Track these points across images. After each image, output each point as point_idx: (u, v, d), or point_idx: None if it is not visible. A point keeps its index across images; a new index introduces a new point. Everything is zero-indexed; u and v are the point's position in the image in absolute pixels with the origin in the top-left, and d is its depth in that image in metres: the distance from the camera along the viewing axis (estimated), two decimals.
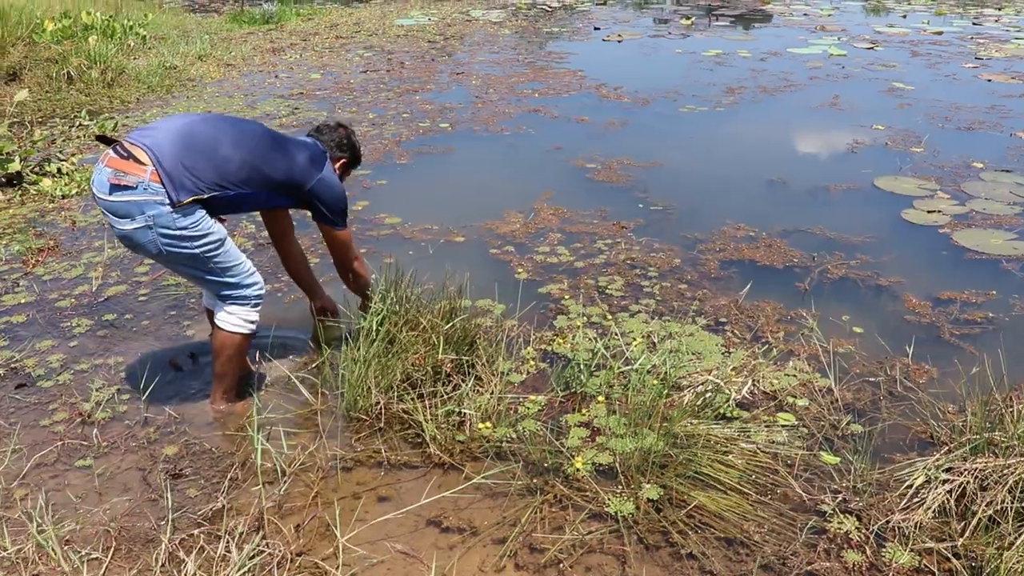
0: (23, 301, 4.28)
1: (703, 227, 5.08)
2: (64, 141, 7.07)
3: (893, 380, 3.50)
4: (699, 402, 3.18)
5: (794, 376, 3.49)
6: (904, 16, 13.37)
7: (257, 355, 3.65)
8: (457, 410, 3.18)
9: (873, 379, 3.52)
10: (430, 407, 3.19)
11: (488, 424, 3.15)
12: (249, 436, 3.09)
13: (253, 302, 3.28)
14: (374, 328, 3.34)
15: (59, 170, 6.18)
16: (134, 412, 3.37)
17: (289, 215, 3.66)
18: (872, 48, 10.75)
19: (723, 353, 3.66)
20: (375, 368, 3.24)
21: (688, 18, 13.04)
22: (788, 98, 8.33)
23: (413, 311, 3.41)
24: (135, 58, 9.91)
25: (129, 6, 13.30)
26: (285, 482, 2.92)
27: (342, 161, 3.57)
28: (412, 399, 3.20)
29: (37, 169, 6.22)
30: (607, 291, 4.27)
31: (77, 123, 7.49)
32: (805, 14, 13.44)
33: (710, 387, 3.21)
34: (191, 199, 2.97)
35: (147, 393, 3.42)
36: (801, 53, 10.46)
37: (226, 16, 13.84)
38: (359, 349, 3.27)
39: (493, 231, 5.06)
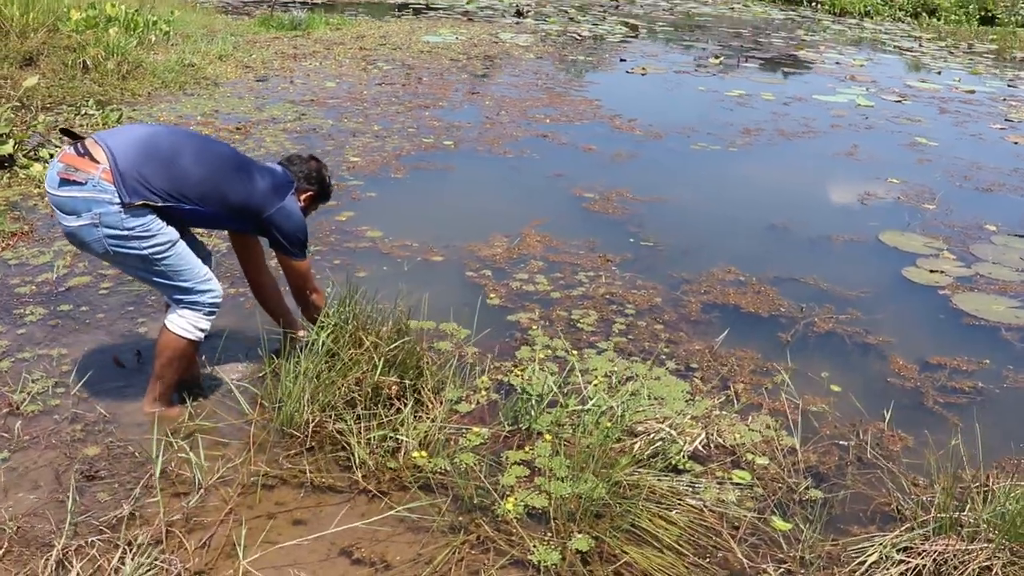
0: None
1: (692, 267, 4.90)
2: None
3: (864, 445, 3.30)
4: (649, 450, 2.99)
5: (758, 432, 3.30)
6: (939, 72, 13.15)
7: (204, 359, 3.52)
8: (392, 435, 3.01)
9: (843, 442, 3.31)
10: (366, 430, 3.03)
11: (424, 453, 2.98)
12: (175, 442, 2.96)
13: (207, 309, 3.15)
14: (320, 342, 3.19)
15: (51, 156, 6.11)
16: (65, 407, 3.23)
17: (260, 243, 3.50)
18: (900, 101, 10.55)
19: (687, 400, 3.47)
20: (314, 384, 3.08)
21: (717, 57, 12.91)
22: (805, 144, 8.15)
23: (361, 328, 3.25)
24: (155, 53, 9.91)
25: (162, 2, 13.36)
26: (198, 494, 2.76)
27: (309, 193, 3.46)
28: (348, 420, 3.04)
29: (32, 154, 6.17)
30: (578, 325, 4.10)
31: (83, 112, 7.44)
32: (837, 62, 13.27)
33: (663, 435, 3.02)
34: (141, 203, 2.89)
35: (83, 389, 3.31)
36: (826, 100, 10.28)
37: (256, 19, 13.88)
38: (300, 363, 3.12)
39: (474, 253, 4.90)
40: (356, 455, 2.91)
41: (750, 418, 3.39)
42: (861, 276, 4.99)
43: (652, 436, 3.05)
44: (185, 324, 3.11)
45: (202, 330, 3.16)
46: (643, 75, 11.24)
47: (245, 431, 3.13)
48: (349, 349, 3.18)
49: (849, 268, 5.13)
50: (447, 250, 4.93)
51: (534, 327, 4.03)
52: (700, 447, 3.09)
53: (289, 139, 7.02)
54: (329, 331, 3.22)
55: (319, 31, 13.16)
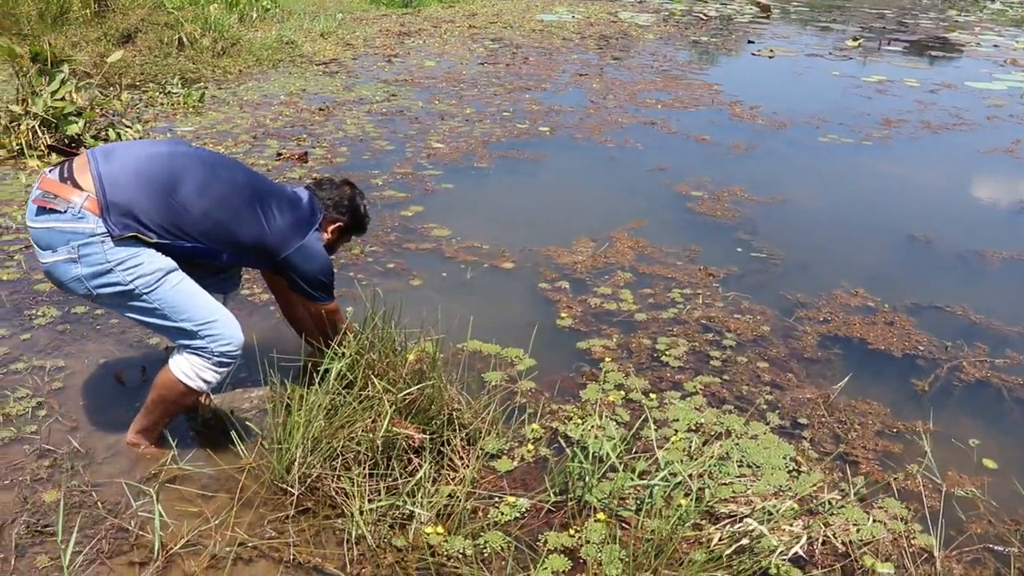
0: (5, 278, 3.80)
1: (810, 287, 4.08)
2: (146, 106, 6.72)
3: None
4: (733, 546, 2.27)
5: (881, 523, 2.51)
6: None
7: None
8: (401, 504, 2.39)
9: (1000, 548, 2.49)
10: (373, 492, 2.43)
11: (440, 529, 2.35)
12: (144, 494, 2.44)
13: (215, 359, 2.55)
14: (332, 377, 2.60)
15: (119, 136, 5.79)
16: (39, 437, 2.76)
17: None
18: None
19: (790, 471, 2.71)
20: (317, 428, 2.50)
21: (856, 39, 11.72)
22: (955, 138, 7.07)
23: (380, 361, 2.65)
24: (254, 30, 9.63)
25: None
26: (155, 564, 2.22)
27: (337, 224, 2.87)
28: (355, 475, 2.44)
29: (104, 134, 5.86)
30: (662, 357, 3.38)
31: (167, 90, 7.15)
32: (995, 45, 11.86)
33: (752, 529, 2.29)
34: (131, 235, 2.37)
35: (68, 412, 2.86)
36: (981, 88, 9.06)
37: None
38: (303, 401, 2.54)
39: (552, 260, 4.23)
40: (351, 527, 2.31)
41: (879, 503, 2.60)
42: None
43: (738, 528, 2.32)
44: (187, 369, 2.54)
45: (206, 381, 2.57)
46: (770, 58, 10.25)
47: (235, 480, 2.58)
48: (363, 387, 2.58)
49: (1008, 295, 4.20)
50: (521, 255, 4.28)
51: (608, 359, 3.33)
52: (801, 551, 2.33)
53: (371, 121, 6.52)
54: (344, 362, 2.64)
55: (430, 8, 12.72)
